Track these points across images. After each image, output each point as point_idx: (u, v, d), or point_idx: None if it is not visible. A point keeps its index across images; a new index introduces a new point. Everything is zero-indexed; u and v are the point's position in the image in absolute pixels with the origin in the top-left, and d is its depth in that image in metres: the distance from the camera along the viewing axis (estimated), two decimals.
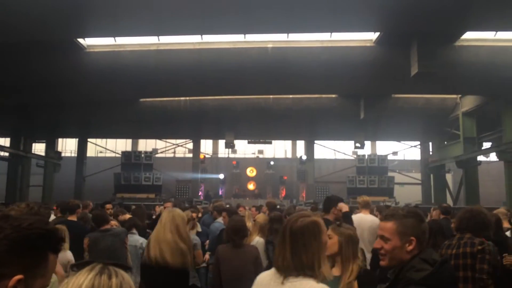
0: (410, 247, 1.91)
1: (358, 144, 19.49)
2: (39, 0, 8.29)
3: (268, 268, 4.53)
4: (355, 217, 6.26)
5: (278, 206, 9.61)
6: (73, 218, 6.19)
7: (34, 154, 19.68)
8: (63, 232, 2.11)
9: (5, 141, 19.15)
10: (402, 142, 23.94)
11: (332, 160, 25.80)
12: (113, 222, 5.38)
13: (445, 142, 18.58)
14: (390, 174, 20.96)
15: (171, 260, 3.64)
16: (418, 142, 22.40)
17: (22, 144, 18.44)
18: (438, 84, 12.65)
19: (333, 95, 15.97)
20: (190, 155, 23.19)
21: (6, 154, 17.94)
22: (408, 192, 21.59)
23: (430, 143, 21.00)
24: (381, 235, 2.00)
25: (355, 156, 22.47)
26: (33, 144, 19.89)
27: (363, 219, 5.69)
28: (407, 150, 24.92)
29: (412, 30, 10.55)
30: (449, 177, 21.03)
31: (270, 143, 23.27)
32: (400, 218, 1.97)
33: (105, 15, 9.17)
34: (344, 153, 24.89)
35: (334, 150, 25.15)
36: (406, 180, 22.94)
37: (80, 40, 11.54)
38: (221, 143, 24.03)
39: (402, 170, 23.60)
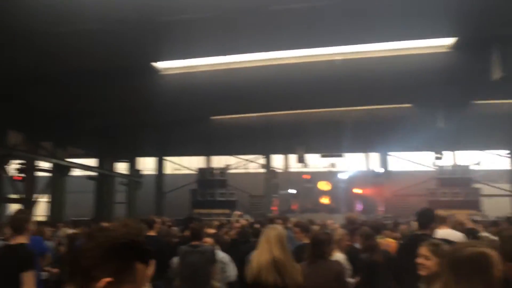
0: None
1: (437, 155, 18.49)
2: (119, 29, 8.90)
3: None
4: (441, 234, 5.85)
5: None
6: (152, 233, 6.45)
7: (118, 173, 21.00)
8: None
9: (91, 162, 20.63)
10: (486, 151, 22.23)
11: (410, 172, 24.58)
12: (207, 239, 5.52)
13: None
14: (475, 185, 19.61)
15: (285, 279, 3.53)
16: (507, 151, 20.68)
17: (107, 164, 19.75)
18: None
19: (407, 105, 15.33)
20: (262, 170, 23.38)
21: (94, 173, 19.28)
22: (497, 205, 19.93)
23: None
24: None
25: (435, 167, 21.28)
26: (116, 164, 21.18)
27: (450, 236, 5.31)
28: (494, 160, 23.08)
29: (492, 33, 9.86)
30: None
31: (343, 156, 22.77)
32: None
33: (179, 39, 9.62)
34: (422, 165, 23.66)
35: (411, 161, 24.00)
36: (493, 191, 21.25)
37: (155, 64, 12.20)
38: (292, 157, 23.96)
39: (489, 181, 21.89)
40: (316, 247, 3.96)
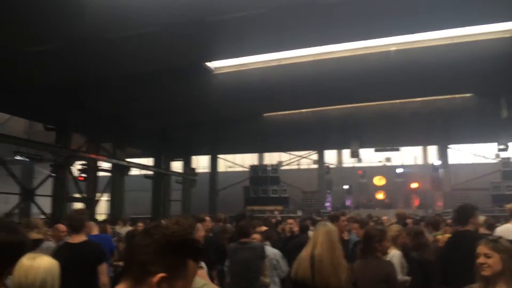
0: None
1: (501, 146, 17.51)
2: (173, 31, 9.10)
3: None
4: (501, 229, 5.54)
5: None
6: None
7: (173, 171, 21.59)
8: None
9: (148, 161, 21.35)
10: None
11: (471, 165, 23.44)
12: (256, 235, 5.56)
13: None
14: None
15: (333, 281, 3.49)
16: None
17: (162, 163, 20.37)
18: None
19: (468, 94, 14.61)
20: (315, 166, 23.17)
21: (150, 172, 19.94)
22: None
23: None
24: None
25: (498, 159, 20.16)
26: (172, 163, 21.77)
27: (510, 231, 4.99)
28: None
29: None
30: None
31: (398, 150, 22.09)
32: None
33: (232, 38, 9.71)
34: (484, 157, 22.49)
35: (473, 153, 22.87)
36: None
37: (208, 64, 12.40)
38: (345, 152, 23.59)
39: None
40: (366, 243, 3.86)
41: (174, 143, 19.69)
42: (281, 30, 9.20)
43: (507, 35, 10.68)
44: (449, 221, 9.78)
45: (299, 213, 18.63)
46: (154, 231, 1.26)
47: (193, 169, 22.78)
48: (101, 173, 17.73)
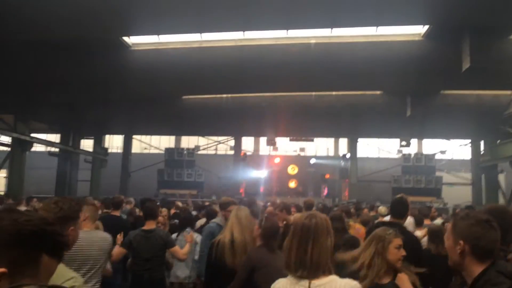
0: (459, 250, 1.92)
1: (404, 143, 18.88)
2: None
3: None
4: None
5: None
6: (116, 213, 6.38)
7: (82, 150, 20.38)
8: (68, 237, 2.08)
9: (55, 137, 19.92)
10: (451, 140, 22.90)
11: (376, 159, 25.13)
12: (160, 219, 5.43)
13: (498, 141, 17.61)
14: (438, 173, 20.19)
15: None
16: (468, 141, 21.37)
17: (71, 140, 19.13)
18: (491, 79, 11.97)
19: (378, 92, 15.48)
20: (232, 152, 23.28)
21: (57, 150, 18.66)
22: (457, 193, 20.62)
23: (482, 142, 19.97)
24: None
25: (400, 154, 21.76)
26: (82, 141, 20.57)
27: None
28: (456, 149, 23.83)
29: (464, 23, 10.01)
30: (501, 177, 19.92)
31: (312, 140, 22.95)
32: (457, 220, 2.02)
33: (150, 13, 9.28)
34: (388, 152, 24.18)
35: (379, 148, 24.47)
36: (454, 180, 21.96)
37: (125, 39, 11.77)
38: (263, 140, 23.97)
39: (451, 170, 22.61)
40: (271, 235, 3.74)
41: (85, 119, 18.56)
42: (202, 10, 8.97)
43: (417, 38, 11.43)
44: (365, 210, 10.33)
45: (214, 197, 18.63)
46: (4, 215, 1.07)
47: (105, 148, 21.72)
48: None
